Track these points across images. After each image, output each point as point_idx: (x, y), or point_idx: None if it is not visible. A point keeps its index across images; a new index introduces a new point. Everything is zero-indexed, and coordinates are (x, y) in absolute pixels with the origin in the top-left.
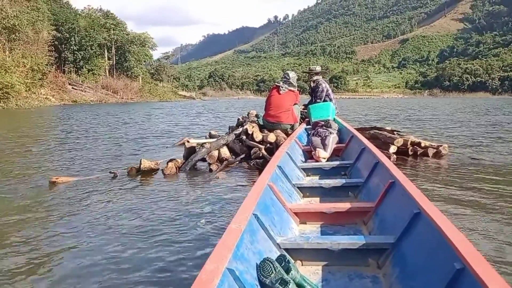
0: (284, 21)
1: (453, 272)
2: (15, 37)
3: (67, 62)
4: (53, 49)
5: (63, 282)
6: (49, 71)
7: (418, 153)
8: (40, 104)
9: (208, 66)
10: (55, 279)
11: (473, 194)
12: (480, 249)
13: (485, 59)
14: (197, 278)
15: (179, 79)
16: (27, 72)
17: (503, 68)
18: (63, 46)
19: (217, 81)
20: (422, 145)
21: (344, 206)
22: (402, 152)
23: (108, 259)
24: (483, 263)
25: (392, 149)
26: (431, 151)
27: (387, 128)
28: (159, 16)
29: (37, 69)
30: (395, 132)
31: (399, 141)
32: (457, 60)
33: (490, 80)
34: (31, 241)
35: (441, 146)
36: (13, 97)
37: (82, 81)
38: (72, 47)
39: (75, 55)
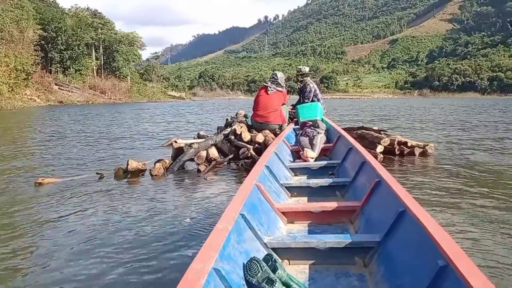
0: (274, 22)
1: (436, 269)
2: None
3: (53, 62)
4: (39, 48)
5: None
6: (35, 71)
7: (405, 152)
8: (24, 105)
9: (198, 66)
10: (33, 283)
11: (457, 192)
12: (463, 247)
13: (474, 60)
14: (182, 278)
15: (169, 79)
16: (10, 72)
17: (491, 68)
18: (49, 45)
19: (207, 82)
20: (409, 144)
21: (331, 205)
22: (389, 152)
23: (91, 260)
24: (466, 260)
25: (379, 148)
26: (417, 151)
27: (374, 128)
28: (149, 16)
29: (22, 69)
30: (382, 132)
31: (386, 141)
32: (446, 60)
33: (479, 80)
34: (11, 243)
35: (427, 145)
36: None
37: (69, 82)
38: (58, 47)
39: (62, 54)
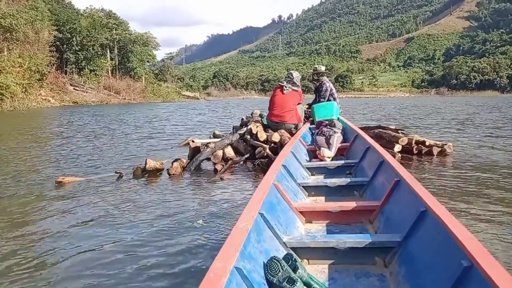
0: (288, 21)
1: (460, 270)
2: (11, 37)
3: (68, 62)
4: (54, 49)
5: (61, 282)
6: (49, 72)
7: (423, 152)
8: (38, 105)
9: (213, 66)
10: (52, 279)
11: (478, 192)
12: (487, 247)
13: (492, 57)
14: (205, 277)
15: (183, 79)
16: (24, 72)
17: (511, 66)
18: (64, 46)
19: (222, 81)
20: (427, 143)
21: (349, 205)
22: (406, 151)
23: (110, 260)
24: (491, 260)
25: (397, 148)
26: (435, 150)
27: (392, 127)
28: (163, 17)
29: (36, 69)
30: (399, 131)
31: (404, 140)
32: (464, 58)
33: (498, 79)
34: (31, 241)
35: (446, 144)
36: (7, 98)
37: (84, 82)
38: (73, 47)
39: (77, 55)
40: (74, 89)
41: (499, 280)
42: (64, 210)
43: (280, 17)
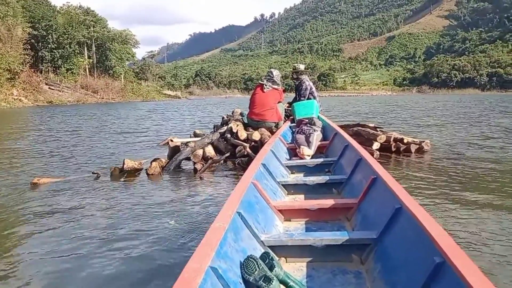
0: (270, 20)
1: (433, 266)
2: None
3: (44, 61)
4: (29, 47)
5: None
6: (21, 71)
7: (401, 149)
8: (8, 106)
9: (195, 65)
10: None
11: (454, 188)
12: (460, 243)
13: (472, 56)
14: (179, 277)
15: (165, 78)
16: None
17: (490, 64)
18: (39, 44)
19: (204, 80)
20: (405, 141)
21: (327, 202)
22: (385, 149)
23: (81, 261)
24: (463, 257)
25: (375, 145)
26: (413, 147)
27: (370, 125)
28: (146, 15)
29: (7, 67)
30: (378, 129)
31: (382, 138)
32: (444, 56)
33: (478, 76)
34: (4, 244)
35: (423, 142)
36: None
37: (60, 81)
38: (49, 45)
39: (53, 53)
40: (49, 88)
41: (470, 276)
42: (39, 212)
43: (262, 15)
